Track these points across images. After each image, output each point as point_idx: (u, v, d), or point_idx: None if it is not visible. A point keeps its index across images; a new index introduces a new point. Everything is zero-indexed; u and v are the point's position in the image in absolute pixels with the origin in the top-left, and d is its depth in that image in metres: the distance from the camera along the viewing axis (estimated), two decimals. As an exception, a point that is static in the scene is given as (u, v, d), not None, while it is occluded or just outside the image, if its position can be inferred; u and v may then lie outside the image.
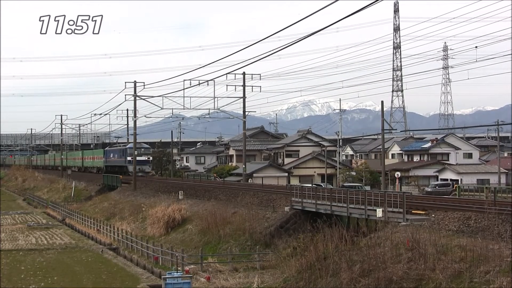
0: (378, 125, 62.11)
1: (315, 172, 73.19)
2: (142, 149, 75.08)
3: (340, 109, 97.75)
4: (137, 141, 66.33)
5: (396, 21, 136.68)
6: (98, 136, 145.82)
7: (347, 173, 73.01)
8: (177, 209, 41.33)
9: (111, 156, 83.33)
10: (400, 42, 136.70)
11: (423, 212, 25.02)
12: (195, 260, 30.47)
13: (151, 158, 77.46)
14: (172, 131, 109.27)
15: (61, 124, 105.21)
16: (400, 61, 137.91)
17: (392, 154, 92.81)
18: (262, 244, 30.65)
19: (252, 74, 58.26)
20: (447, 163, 79.32)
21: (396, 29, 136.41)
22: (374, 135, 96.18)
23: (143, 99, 60.58)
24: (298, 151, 78.27)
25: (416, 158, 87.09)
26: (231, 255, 30.18)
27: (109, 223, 48.25)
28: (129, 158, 73.06)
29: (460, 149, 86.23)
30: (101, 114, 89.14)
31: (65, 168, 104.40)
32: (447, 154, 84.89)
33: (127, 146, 75.97)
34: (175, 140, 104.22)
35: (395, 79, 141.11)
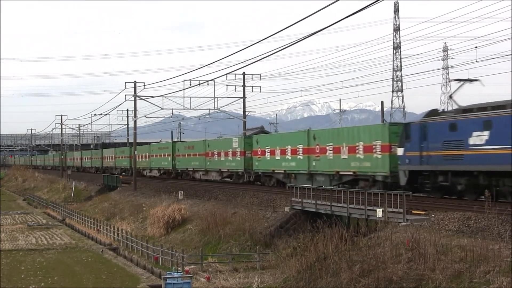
0: (378, 125, 61.91)
1: (315, 172, 72.47)
2: None
3: (340, 109, 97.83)
4: (137, 141, 66.18)
5: (396, 21, 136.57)
6: (98, 136, 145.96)
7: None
8: (177, 209, 41.35)
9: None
10: (400, 42, 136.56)
11: (423, 212, 25.02)
12: (195, 260, 30.48)
13: None
14: (172, 131, 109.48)
15: (61, 124, 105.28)
16: (400, 61, 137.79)
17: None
18: (262, 244, 30.66)
19: (252, 74, 58.43)
20: (447, 163, 79.05)
21: (396, 29, 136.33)
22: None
23: (143, 99, 60.62)
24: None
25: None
26: (231, 255, 30.19)
27: (109, 223, 48.28)
28: None
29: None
30: (101, 114, 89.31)
31: (179, 174, 64.35)
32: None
33: None
34: (175, 140, 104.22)
35: (395, 79, 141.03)
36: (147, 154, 72.07)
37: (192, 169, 60.89)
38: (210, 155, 55.18)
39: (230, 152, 50.72)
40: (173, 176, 65.53)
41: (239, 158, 49.35)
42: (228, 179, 53.83)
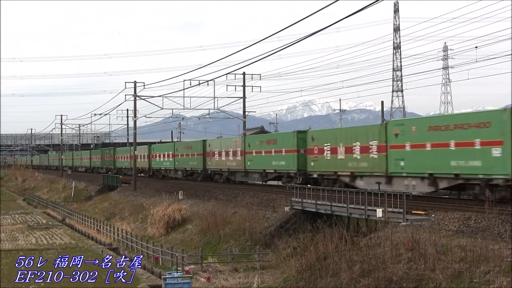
0: (378, 125, 61.81)
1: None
2: None
3: (340, 109, 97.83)
4: (137, 141, 66.11)
5: (396, 21, 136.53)
6: (98, 136, 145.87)
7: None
8: (177, 209, 41.35)
9: None
10: (400, 42, 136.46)
11: (423, 212, 25.02)
12: (195, 260, 30.47)
13: None
14: (172, 131, 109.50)
15: (61, 124, 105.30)
16: (400, 61, 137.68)
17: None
18: (262, 244, 30.65)
19: (252, 74, 58.43)
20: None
21: (396, 29, 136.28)
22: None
23: (143, 99, 60.63)
24: (298, 151, 77.07)
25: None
26: (231, 255, 30.18)
27: (109, 223, 48.27)
28: None
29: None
30: (101, 114, 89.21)
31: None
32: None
33: None
34: (175, 140, 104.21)
35: (395, 79, 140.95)
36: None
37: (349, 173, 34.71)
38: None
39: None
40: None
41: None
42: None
